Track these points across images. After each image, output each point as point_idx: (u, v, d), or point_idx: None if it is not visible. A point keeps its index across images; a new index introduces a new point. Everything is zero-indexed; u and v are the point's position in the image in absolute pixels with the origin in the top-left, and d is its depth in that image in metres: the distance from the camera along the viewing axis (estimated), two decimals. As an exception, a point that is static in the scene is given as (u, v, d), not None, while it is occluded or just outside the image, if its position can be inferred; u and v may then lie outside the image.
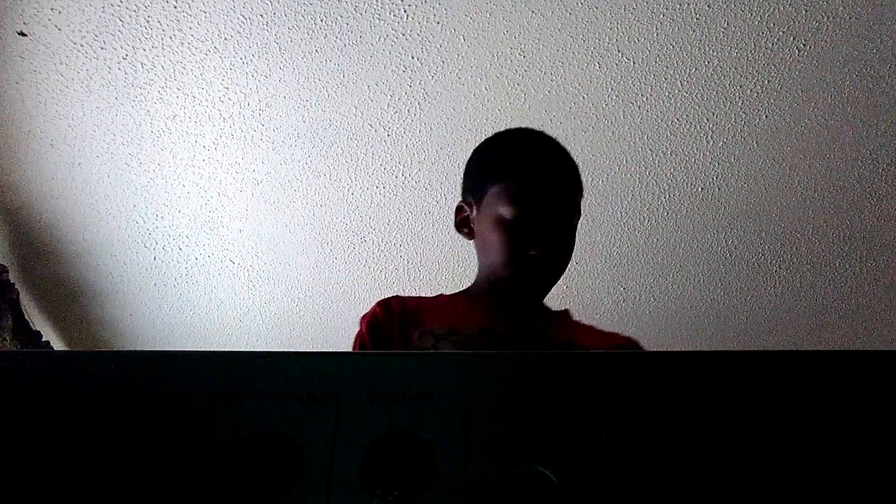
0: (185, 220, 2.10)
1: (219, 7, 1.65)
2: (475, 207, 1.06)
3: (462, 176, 1.15)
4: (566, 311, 1.10)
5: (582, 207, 1.07)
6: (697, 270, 2.31)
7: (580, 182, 1.08)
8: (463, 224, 1.09)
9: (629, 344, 1.04)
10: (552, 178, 1.03)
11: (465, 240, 1.10)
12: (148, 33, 1.68)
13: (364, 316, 1.02)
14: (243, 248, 2.19)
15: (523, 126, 1.19)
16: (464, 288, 1.12)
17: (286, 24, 1.69)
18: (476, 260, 1.09)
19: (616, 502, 0.31)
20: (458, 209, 1.11)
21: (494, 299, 1.03)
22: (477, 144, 1.17)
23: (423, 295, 1.11)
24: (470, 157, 1.15)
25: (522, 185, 1.01)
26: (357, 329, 1.02)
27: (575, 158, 1.08)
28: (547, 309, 1.08)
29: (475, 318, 1.00)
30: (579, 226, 1.07)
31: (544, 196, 1.00)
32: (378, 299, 1.04)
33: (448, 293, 1.12)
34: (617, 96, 1.86)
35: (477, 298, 1.06)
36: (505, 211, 0.99)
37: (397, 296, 1.05)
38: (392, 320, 0.99)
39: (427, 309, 1.02)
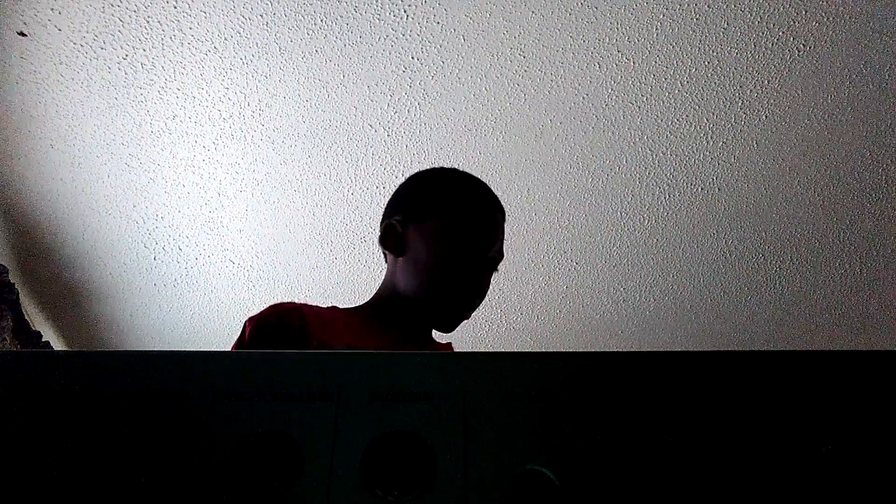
0: (185, 220, 2.10)
1: (219, 7, 1.65)
2: (418, 225, 1.05)
3: (405, 193, 1.14)
4: (450, 344, 1.12)
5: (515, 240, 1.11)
6: (697, 270, 2.31)
7: None
8: (394, 240, 1.08)
9: None
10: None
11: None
12: (148, 33, 1.68)
13: (252, 319, 0.95)
14: (243, 248, 2.19)
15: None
16: (356, 305, 1.10)
17: (286, 24, 1.69)
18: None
19: (616, 502, 0.31)
20: (392, 227, 1.09)
21: (390, 323, 1.03)
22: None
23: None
24: (426, 179, 1.14)
25: (500, 227, 1.08)
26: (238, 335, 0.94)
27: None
28: (433, 339, 1.10)
29: (372, 341, 0.98)
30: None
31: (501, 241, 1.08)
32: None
33: (342, 307, 1.10)
34: (617, 96, 1.86)
35: (374, 321, 1.04)
36: (488, 247, 1.04)
37: (292, 303, 1.00)
38: (288, 329, 0.93)
39: (325, 321, 0.98)
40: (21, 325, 2.20)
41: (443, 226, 1.04)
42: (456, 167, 1.18)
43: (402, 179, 1.19)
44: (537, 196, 2.07)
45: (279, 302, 0.99)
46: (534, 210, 2.10)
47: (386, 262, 1.15)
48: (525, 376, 0.35)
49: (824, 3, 1.67)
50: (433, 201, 1.08)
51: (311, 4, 1.65)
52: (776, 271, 2.32)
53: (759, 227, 2.19)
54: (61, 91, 1.78)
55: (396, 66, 1.78)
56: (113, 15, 1.64)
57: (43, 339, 2.31)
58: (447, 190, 1.10)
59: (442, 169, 1.17)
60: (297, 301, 1.01)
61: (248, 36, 1.70)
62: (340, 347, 0.91)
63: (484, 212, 1.08)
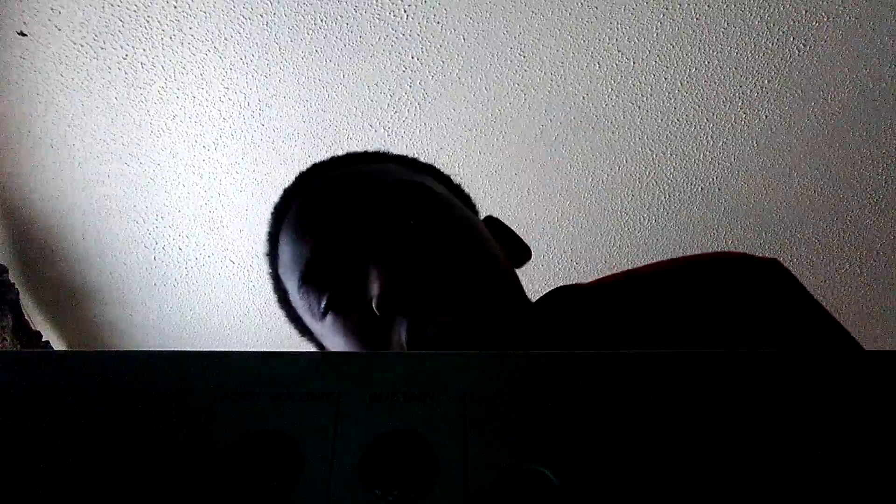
0: (185, 220, 2.10)
1: (219, 7, 1.65)
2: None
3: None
4: (562, 291, 0.69)
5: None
6: (697, 270, 2.31)
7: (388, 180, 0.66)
8: None
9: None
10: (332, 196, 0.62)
11: None
12: (148, 33, 1.68)
13: None
14: (243, 248, 2.19)
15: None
16: None
17: (286, 24, 1.69)
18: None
19: (616, 502, 0.31)
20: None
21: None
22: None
23: None
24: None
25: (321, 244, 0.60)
26: None
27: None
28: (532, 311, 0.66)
29: None
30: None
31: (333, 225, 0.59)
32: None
33: None
34: (617, 96, 1.86)
35: None
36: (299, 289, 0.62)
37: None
38: None
39: None
40: (21, 325, 2.20)
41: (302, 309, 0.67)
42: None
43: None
44: (537, 196, 2.07)
45: None
46: (533, 210, 2.10)
47: None
48: (525, 376, 0.35)
49: (824, 3, 1.67)
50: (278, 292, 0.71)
51: (311, 4, 1.65)
52: (776, 271, 2.32)
53: (759, 227, 2.19)
54: (61, 91, 1.78)
55: (396, 66, 1.78)
56: (113, 15, 1.64)
57: (43, 339, 2.31)
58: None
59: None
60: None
61: (248, 36, 1.70)
62: None
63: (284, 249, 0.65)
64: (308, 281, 0.60)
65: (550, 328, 0.66)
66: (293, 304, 0.67)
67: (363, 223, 0.58)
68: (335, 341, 0.61)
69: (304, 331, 0.70)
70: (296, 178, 0.70)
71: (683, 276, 0.64)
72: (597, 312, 0.64)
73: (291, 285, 0.64)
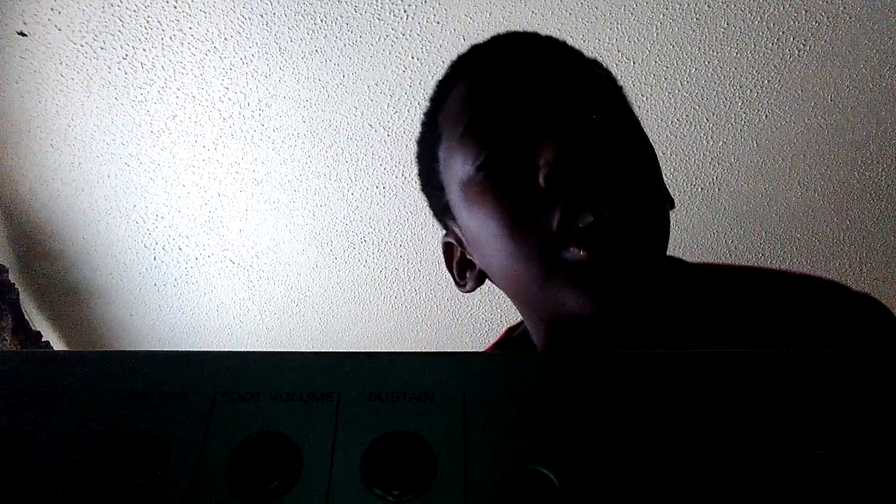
0: (185, 220, 2.10)
1: (219, 7, 1.65)
2: (450, 214, 0.69)
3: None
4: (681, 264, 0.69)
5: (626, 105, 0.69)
6: (697, 270, 2.31)
7: (585, 65, 0.68)
8: (458, 263, 0.71)
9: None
10: (522, 62, 0.62)
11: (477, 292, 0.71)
12: (148, 33, 1.68)
13: None
14: (243, 248, 2.19)
15: None
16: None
17: (286, 24, 1.69)
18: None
19: (616, 502, 0.31)
20: (446, 247, 0.74)
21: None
22: None
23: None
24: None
25: (476, 93, 0.63)
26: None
27: None
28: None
29: None
30: None
31: (519, 89, 0.59)
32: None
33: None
34: (617, 96, 1.86)
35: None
36: (469, 152, 0.60)
37: None
38: None
39: None
40: (21, 325, 2.20)
41: (448, 171, 0.66)
42: None
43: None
44: (537, 196, 2.07)
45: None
46: (534, 210, 2.10)
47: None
48: (525, 376, 0.35)
49: (824, 3, 1.67)
50: (426, 158, 0.72)
51: (311, 4, 1.65)
52: (776, 271, 2.32)
53: (759, 227, 2.19)
54: (61, 91, 1.78)
55: (396, 66, 1.78)
56: (113, 15, 1.64)
57: (43, 339, 2.31)
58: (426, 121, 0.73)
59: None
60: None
61: (248, 36, 1.70)
62: None
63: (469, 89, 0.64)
64: (473, 132, 0.61)
65: (695, 300, 0.66)
66: (438, 153, 0.68)
67: (549, 101, 0.58)
68: (480, 198, 0.60)
69: (431, 185, 0.71)
70: (490, 39, 0.70)
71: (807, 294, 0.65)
72: (729, 298, 0.65)
73: (451, 132, 0.64)
